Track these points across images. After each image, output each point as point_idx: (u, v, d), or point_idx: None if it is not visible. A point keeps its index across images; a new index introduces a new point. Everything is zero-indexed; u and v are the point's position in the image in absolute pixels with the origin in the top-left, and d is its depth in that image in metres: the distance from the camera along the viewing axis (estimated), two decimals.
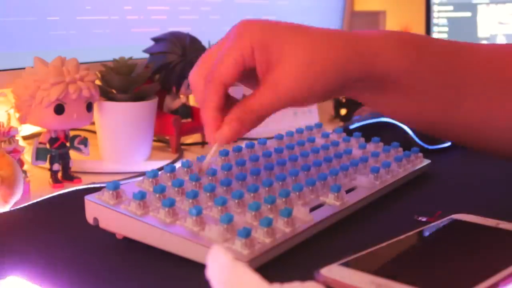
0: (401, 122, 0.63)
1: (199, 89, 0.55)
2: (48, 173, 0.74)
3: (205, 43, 0.93)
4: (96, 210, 0.53)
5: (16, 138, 0.70)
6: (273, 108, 0.53)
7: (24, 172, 0.69)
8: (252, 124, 0.53)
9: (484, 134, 0.61)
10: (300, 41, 0.53)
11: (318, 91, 0.54)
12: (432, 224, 0.55)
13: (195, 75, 0.55)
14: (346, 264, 0.45)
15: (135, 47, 0.91)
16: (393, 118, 0.63)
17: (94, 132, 0.86)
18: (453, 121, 0.60)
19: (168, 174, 0.58)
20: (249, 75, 0.54)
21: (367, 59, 0.55)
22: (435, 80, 0.58)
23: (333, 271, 0.44)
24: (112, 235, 0.53)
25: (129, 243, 0.52)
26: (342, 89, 0.56)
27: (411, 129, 0.87)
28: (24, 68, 0.73)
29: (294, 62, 0.52)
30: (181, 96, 0.94)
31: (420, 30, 1.37)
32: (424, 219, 0.59)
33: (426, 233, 0.54)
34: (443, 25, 1.32)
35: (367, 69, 0.55)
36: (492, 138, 0.61)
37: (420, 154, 0.75)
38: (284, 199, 0.55)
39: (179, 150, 0.90)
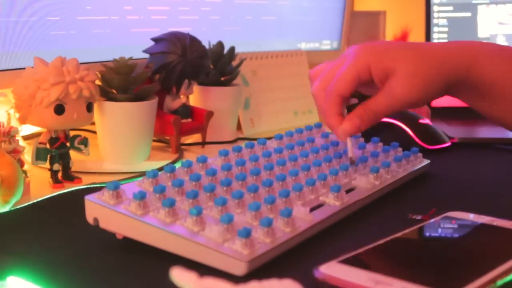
0: (496, 124, 0.72)
1: (320, 100, 0.66)
2: (48, 173, 0.73)
3: (205, 43, 0.93)
4: (96, 210, 0.53)
5: (16, 138, 0.70)
6: (390, 110, 0.65)
7: (24, 172, 0.69)
8: (370, 122, 0.64)
9: None
10: (409, 55, 0.64)
11: (426, 94, 0.64)
12: (430, 221, 0.55)
13: (317, 89, 0.66)
14: (345, 261, 0.46)
15: (135, 47, 0.91)
16: (489, 119, 0.72)
17: (94, 132, 0.86)
18: None
19: (168, 174, 0.58)
20: (366, 84, 0.66)
21: (465, 66, 0.65)
22: None
23: (332, 268, 0.45)
24: (112, 235, 0.53)
25: (129, 243, 0.52)
26: (447, 90, 0.67)
27: (410, 129, 0.87)
28: (24, 68, 0.73)
29: (404, 73, 0.63)
30: (181, 96, 0.93)
31: (420, 30, 1.37)
32: (418, 217, 0.59)
33: (424, 231, 0.54)
34: (443, 25, 1.31)
35: (465, 74, 0.66)
36: None
37: (420, 154, 0.75)
38: (284, 199, 0.55)
39: (179, 150, 0.90)
